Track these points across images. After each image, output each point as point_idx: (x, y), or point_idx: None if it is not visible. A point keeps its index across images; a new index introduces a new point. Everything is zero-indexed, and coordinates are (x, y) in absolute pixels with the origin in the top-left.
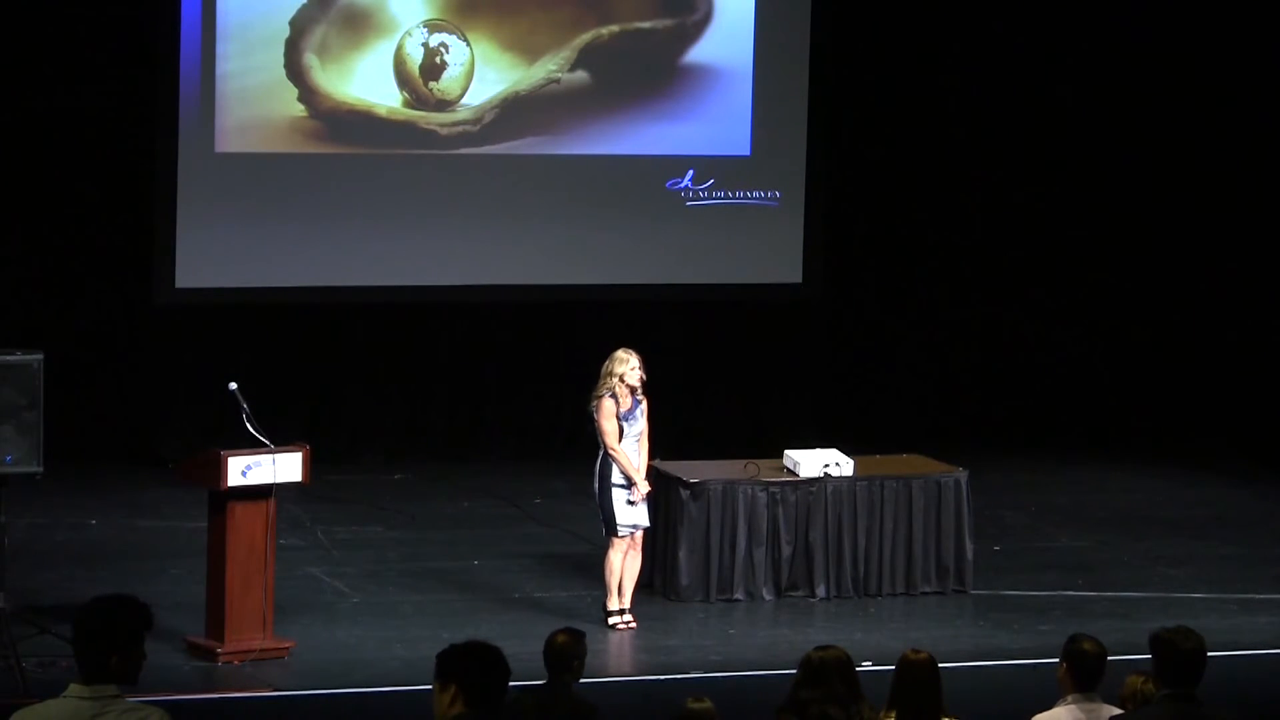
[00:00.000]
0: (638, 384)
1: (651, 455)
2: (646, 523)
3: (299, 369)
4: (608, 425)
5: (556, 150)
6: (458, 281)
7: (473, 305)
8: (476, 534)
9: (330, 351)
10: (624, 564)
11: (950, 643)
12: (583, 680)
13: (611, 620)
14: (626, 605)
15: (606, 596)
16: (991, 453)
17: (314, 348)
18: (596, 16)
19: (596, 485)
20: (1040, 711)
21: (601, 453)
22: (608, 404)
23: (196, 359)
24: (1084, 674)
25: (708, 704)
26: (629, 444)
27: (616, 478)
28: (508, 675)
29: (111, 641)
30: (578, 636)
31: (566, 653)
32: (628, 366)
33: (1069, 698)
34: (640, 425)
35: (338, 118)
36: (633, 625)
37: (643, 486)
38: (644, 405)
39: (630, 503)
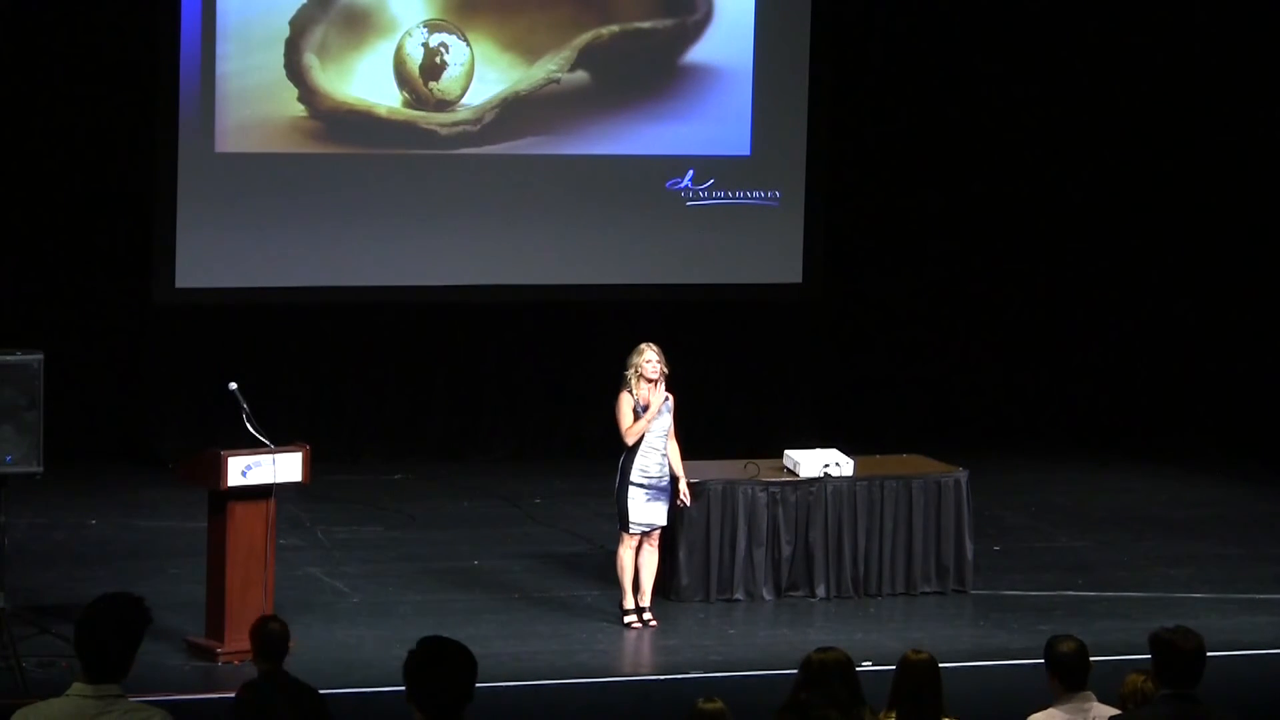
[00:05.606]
0: (656, 377)
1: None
2: (663, 521)
3: (299, 369)
4: (623, 419)
5: (556, 150)
6: (458, 281)
7: (473, 305)
8: (476, 534)
9: (330, 351)
10: (639, 561)
11: (950, 643)
12: (583, 680)
13: (627, 619)
14: (646, 604)
15: (622, 596)
16: (991, 453)
17: (314, 348)
18: (596, 16)
19: (616, 480)
20: (1037, 712)
21: (626, 448)
22: (625, 399)
23: (196, 359)
24: (1067, 674)
25: (719, 704)
26: (655, 440)
27: (635, 475)
28: (455, 676)
29: (120, 639)
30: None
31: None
32: (643, 358)
33: (1061, 699)
34: (666, 422)
35: (338, 118)
36: (652, 624)
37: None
38: (670, 402)
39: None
